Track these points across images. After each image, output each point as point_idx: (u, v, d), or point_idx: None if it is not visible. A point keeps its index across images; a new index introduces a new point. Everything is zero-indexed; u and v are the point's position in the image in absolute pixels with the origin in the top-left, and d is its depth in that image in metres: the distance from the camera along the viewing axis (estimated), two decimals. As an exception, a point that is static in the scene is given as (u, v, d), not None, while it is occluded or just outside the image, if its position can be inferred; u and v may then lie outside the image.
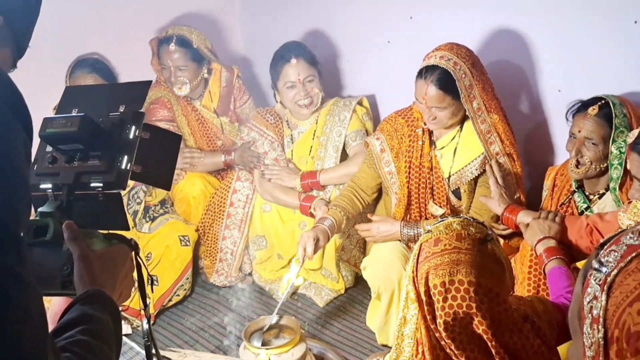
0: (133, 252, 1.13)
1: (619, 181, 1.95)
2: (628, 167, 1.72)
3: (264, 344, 2.09)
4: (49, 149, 1.11)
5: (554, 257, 1.79)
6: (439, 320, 1.34)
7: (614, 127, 1.91)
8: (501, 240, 2.20)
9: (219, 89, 3.05)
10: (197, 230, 2.89)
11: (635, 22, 2.02)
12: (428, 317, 1.36)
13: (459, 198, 2.34)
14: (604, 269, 0.84)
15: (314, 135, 2.79)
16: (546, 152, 2.50)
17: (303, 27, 3.16)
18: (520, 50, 2.41)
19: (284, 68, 2.68)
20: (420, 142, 2.34)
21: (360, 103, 2.84)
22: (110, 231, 1.13)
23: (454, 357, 1.33)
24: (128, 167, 1.09)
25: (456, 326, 1.32)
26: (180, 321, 2.73)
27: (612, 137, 1.92)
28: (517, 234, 2.17)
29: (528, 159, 2.54)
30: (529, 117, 2.51)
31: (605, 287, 0.82)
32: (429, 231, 1.45)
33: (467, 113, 2.19)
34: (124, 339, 2.60)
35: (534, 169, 2.54)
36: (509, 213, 2.09)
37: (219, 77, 3.05)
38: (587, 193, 2.12)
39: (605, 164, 1.98)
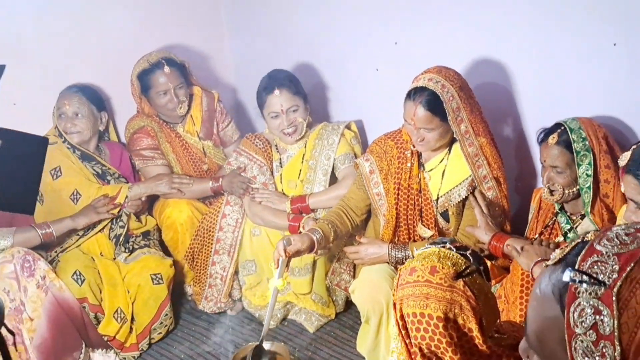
0: None
1: (590, 205, 1.97)
2: (622, 189, 1.70)
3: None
4: None
5: None
6: (414, 349, 1.34)
7: (574, 152, 1.94)
8: (488, 262, 2.20)
9: (200, 113, 3.08)
10: (171, 265, 2.81)
11: (615, 45, 2.06)
12: (407, 341, 1.36)
13: (447, 220, 2.35)
14: (599, 282, 0.78)
15: (302, 159, 2.81)
16: (532, 174, 2.53)
17: (291, 53, 3.20)
18: (503, 74, 2.45)
19: (268, 98, 2.71)
20: (409, 164, 2.36)
21: (348, 127, 2.87)
22: None
23: None
24: None
25: (433, 356, 1.32)
26: (169, 349, 2.70)
27: (576, 162, 1.94)
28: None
29: (514, 181, 2.56)
30: (514, 140, 2.54)
31: (613, 300, 0.76)
32: (412, 258, 1.45)
33: (455, 136, 2.21)
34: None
35: (520, 192, 2.56)
36: (496, 241, 2.09)
37: (200, 102, 3.08)
38: (569, 214, 2.14)
39: (577, 187, 2.00)
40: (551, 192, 2.03)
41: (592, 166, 1.93)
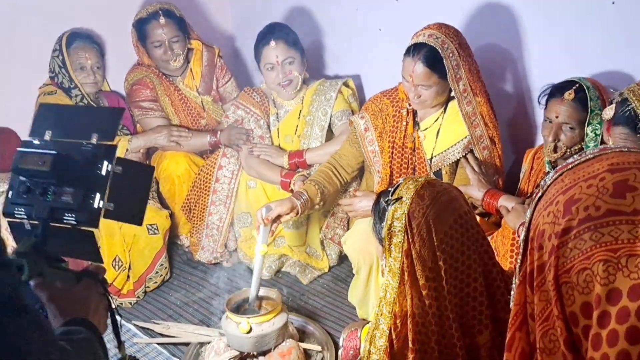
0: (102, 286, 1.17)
1: None
2: (611, 143, 1.73)
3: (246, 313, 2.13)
4: (22, 177, 1.14)
5: None
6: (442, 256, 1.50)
7: (589, 110, 1.93)
8: (478, 218, 2.23)
9: (200, 67, 3.07)
10: (168, 217, 2.85)
11: (613, 3, 2.07)
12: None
13: (441, 179, 2.38)
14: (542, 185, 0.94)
15: (299, 114, 2.82)
16: (527, 134, 2.55)
17: (292, 8, 3.18)
18: (502, 33, 2.45)
19: (264, 50, 2.71)
20: (404, 123, 2.38)
21: (346, 84, 2.88)
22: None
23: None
24: (100, 205, 1.11)
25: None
26: (165, 297, 2.76)
27: (587, 120, 1.94)
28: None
29: (508, 141, 2.58)
30: (510, 100, 2.56)
31: (536, 198, 0.92)
32: (396, 200, 1.53)
33: (453, 94, 2.22)
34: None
35: (514, 152, 2.59)
36: (490, 198, 2.11)
37: (200, 57, 3.07)
38: None
39: (580, 146, 2.01)
40: (555, 149, 2.02)
41: (602, 124, 1.91)
